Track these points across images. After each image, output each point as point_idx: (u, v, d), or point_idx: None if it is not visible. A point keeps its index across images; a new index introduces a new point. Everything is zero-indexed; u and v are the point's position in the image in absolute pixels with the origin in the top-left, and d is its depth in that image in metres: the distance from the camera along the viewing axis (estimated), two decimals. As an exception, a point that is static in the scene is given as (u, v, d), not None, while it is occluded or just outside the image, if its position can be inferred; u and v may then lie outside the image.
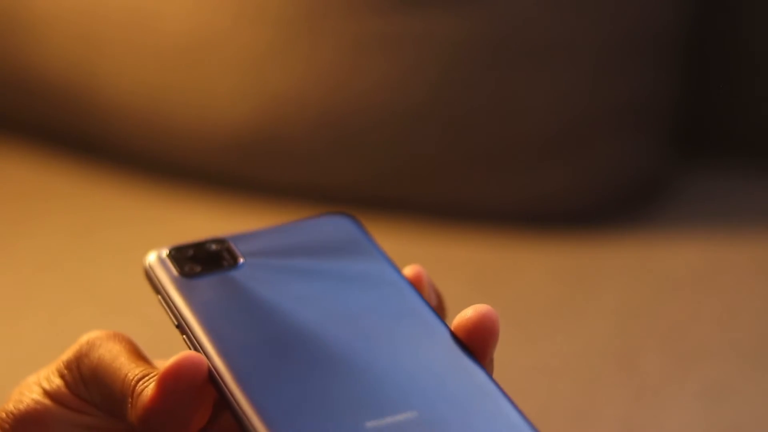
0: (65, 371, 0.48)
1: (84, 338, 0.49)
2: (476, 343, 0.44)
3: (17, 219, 1.01)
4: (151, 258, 0.50)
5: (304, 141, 1.00)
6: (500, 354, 0.84)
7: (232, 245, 0.50)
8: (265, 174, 1.02)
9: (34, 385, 0.49)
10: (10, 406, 0.49)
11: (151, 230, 1.00)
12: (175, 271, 0.49)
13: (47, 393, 0.49)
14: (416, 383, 0.43)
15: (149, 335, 0.89)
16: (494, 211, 0.99)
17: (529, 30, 0.96)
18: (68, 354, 0.48)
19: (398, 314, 0.46)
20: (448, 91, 0.97)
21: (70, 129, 1.06)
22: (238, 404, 0.43)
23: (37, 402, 0.48)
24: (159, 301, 0.49)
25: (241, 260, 0.49)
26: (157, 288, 0.50)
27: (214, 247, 0.50)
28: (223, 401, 0.44)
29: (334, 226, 0.51)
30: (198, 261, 0.50)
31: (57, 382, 0.48)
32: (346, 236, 0.50)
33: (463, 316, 0.44)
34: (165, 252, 0.50)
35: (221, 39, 0.99)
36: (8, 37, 1.05)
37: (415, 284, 0.47)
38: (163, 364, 0.47)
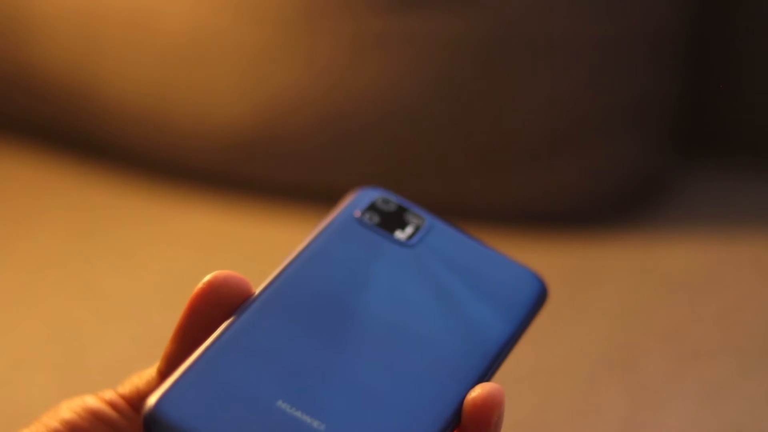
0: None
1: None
2: (478, 421, 0.45)
3: (17, 219, 1.01)
4: (363, 190, 0.52)
5: (304, 140, 1.00)
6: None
7: (424, 227, 0.51)
8: (265, 173, 1.02)
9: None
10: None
11: (151, 230, 1.00)
12: (357, 211, 0.50)
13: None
14: (361, 405, 0.44)
15: (148, 336, 0.89)
16: (493, 211, 0.99)
17: (528, 29, 0.96)
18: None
19: (451, 352, 0.47)
20: (447, 91, 0.97)
21: (70, 129, 1.06)
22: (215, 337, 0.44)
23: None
24: None
25: (412, 242, 0.50)
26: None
27: (411, 217, 0.52)
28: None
29: (519, 280, 0.51)
30: (384, 215, 0.51)
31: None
32: (515, 292, 0.51)
33: (470, 395, 0.45)
34: (377, 195, 0.52)
35: (221, 38, 0.99)
36: (8, 37, 1.05)
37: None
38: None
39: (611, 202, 1.00)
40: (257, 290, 0.46)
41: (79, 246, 0.98)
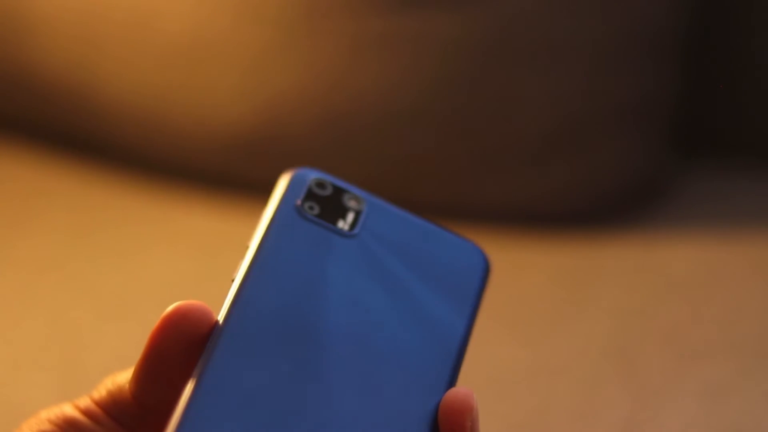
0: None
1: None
2: (452, 430, 0.46)
3: (17, 219, 1.01)
4: (297, 173, 0.51)
5: (304, 140, 1.00)
6: (501, 354, 0.85)
7: (364, 210, 0.51)
8: (265, 173, 1.01)
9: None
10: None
11: (151, 230, 1.00)
12: (297, 200, 0.50)
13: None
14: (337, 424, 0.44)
15: (147, 336, 0.89)
16: (493, 211, 0.99)
17: (528, 29, 0.96)
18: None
19: (417, 356, 0.47)
20: (447, 91, 0.97)
21: (70, 129, 1.06)
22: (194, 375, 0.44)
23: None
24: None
25: (356, 231, 0.50)
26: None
27: (349, 200, 0.51)
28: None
29: (464, 258, 0.51)
30: (322, 201, 0.51)
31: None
32: (463, 273, 0.51)
33: (441, 404, 0.46)
34: (311, 176, 0.51)
35: (221, 39, 0.99)
36: (8, 37, 1.05)
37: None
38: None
39: (611, 202, 1.00)
40: (220, 316, 0.45)
41: (79, 246, 0.98)
